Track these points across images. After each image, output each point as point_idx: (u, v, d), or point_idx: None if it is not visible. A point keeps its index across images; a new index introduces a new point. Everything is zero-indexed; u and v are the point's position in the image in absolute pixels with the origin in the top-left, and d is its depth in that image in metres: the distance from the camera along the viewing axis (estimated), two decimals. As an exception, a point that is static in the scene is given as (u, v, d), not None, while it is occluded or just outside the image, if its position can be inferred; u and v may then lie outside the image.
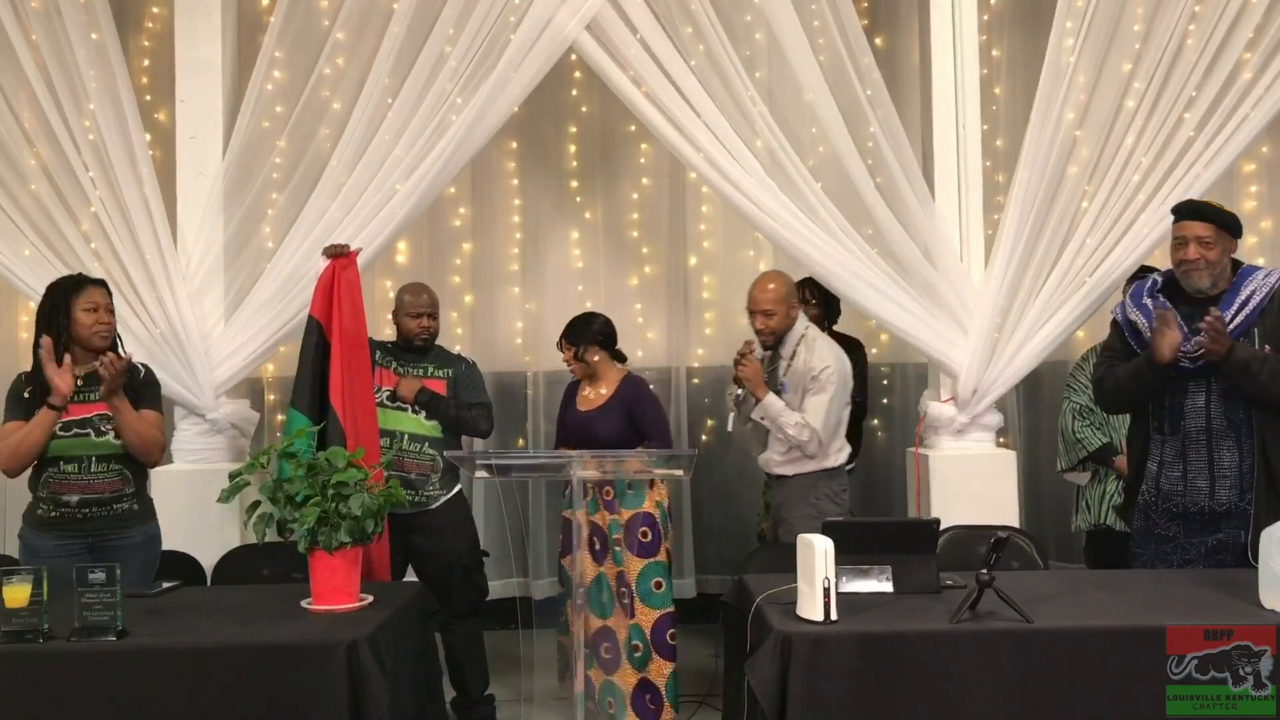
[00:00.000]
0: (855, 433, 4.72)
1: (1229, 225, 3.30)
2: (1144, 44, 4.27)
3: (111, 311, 3.52)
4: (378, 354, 4.15)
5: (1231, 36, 4.21)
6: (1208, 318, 3.14)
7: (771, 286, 4.10)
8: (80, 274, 3.64)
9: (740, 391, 4.12)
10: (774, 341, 4.13)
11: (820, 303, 4.82)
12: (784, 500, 4.14)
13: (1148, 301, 3.36)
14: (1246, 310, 3.23)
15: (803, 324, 4.17)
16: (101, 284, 3.56)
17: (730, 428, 4.24)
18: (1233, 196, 5.41)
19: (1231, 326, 3.20)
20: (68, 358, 3.39)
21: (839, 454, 4.15)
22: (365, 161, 4.27)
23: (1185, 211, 3.36)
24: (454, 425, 4.16)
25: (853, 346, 4.73)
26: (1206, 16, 4.21)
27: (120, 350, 3.54)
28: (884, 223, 4.34)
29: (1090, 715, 2.54)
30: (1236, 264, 3.34)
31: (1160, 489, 3.33)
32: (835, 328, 4.93)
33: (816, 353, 4.06)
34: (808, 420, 3.96)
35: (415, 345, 4.19)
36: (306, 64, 4.33)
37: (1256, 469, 3.18)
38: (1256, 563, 3.03)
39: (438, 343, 4.30)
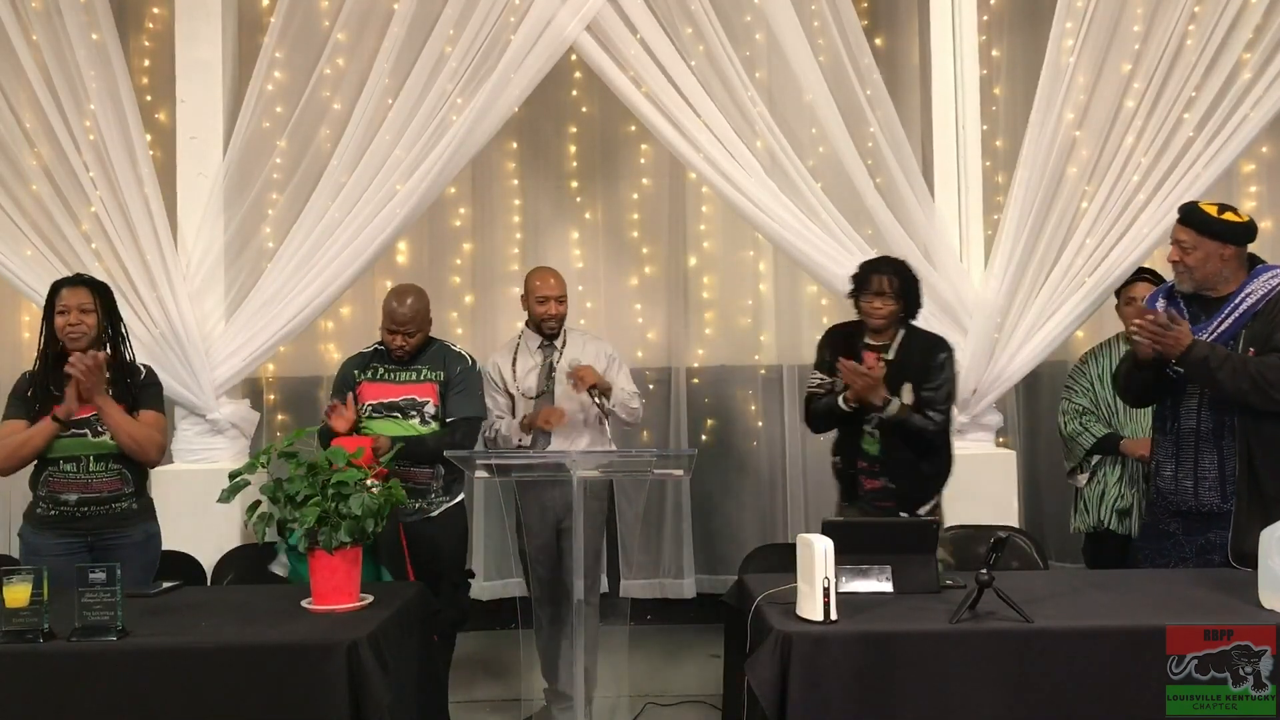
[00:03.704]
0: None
1: (1215, 231, 3.23)
2: (1144, 44, 4.27)
3: (89, 311, 3.41)
4: (355, 372, 3.98)
5: (1231, 37, 4.22)
6: (1138, 320, 3.23)
7: (555, 280, 4.23)
8: (66, 276, 3.57)
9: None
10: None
11: (899, 297, 3.69)
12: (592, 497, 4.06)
13: (1161, 304, 3.37)
14: (1238, 313, 3.23)
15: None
16: (81, 285, 3.47)
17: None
18: (1233, 196, 5.40)
19: (1221, 329, 3.22)
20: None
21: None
22: (365, 162, 4.27)
23: (1179, 213, 3.37)
24: (441, 458, 3.80)
25: (939, 345, 3.76)
26: (1206, 17, 4.22)
27: (126, 352, 3.53)
28: (884, 223, 4.35)
29: (1090, 715, 2.54)
30: (1255, 262, 3.31)
31: (1158, 487, 3.39)
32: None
33: (593, 341, 4.31)
34: (632, 389, 4.24)
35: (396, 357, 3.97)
36: (307, 64, 4.34)
37: (1239, 472, 3.21)
38: (1236, 564, 3.11)
39: (440, 338, 4.10)
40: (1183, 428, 3.30)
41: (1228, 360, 3.14)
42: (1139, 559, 3.51)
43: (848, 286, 4.32)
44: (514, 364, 4.23)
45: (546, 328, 4.21)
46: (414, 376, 3.96)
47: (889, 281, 3.62)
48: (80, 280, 3.53)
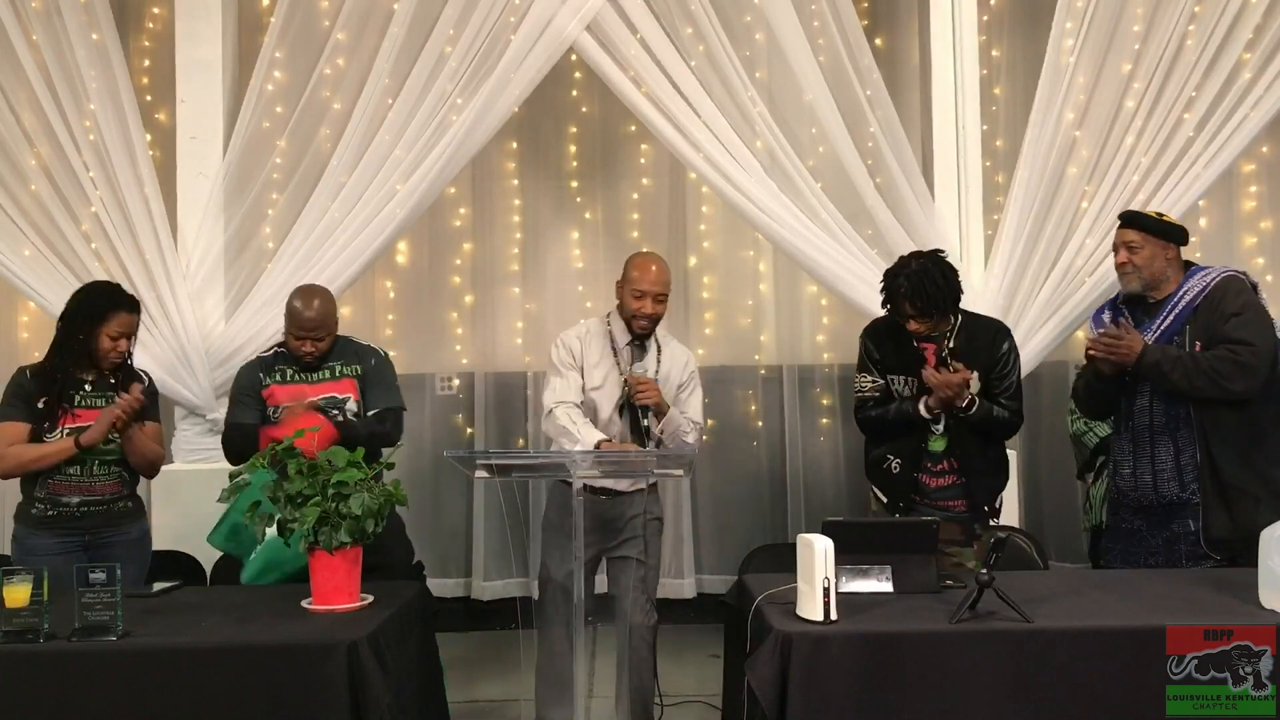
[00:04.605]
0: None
1: (1160, 231, 3.37)
2: (1144, 44, 4.28)
3: (131, 337, 3.46)
4: (260, 376, 3.63)
5: (1231, 36, 4.23)
6: (1090, 339, 3.37)
7: (658, 269, 3.73)
8: (118, 291, 3.50)
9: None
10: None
11: (933, 312, 3.47)
12: (641, 510, 3.75)
13: (1105, 316, 3.47)
14: (1178, 310, 3.34)
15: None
16: (136, 308, 3.48)
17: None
18: (1233, 196, 5.42)
19: (1162, 328, 3.33)
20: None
21: None
22: (365, 162, 4.28)
23: (1120, 219, 3.48)
24: (370, 446, 3.39)
25: (1000, 332, 3.62)
26: (1206, 16, 4.22)
27: (129, 360, 3.53)
28: (884, 223, 4.35)
29: (1090, 715, 2.54)
30: (1189, 265, 3.43)
31: (1118, 486, 3.47)
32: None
33: (677, 345, 3.84)
34: (695, 420, 3.75)
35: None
36: (307, 64, 4.35)
37: (1200, 460, 3.28)
38: (1210, 550, 3.22)
39: (346, 335, 3.77)
40: (1137, 424, 3.39)
41: (1179, 361, 3.25)
42: (1108, 560, 3.55)
43: (846, 285, 4.36)
44: (614, 355, 3.74)
45: (636, 326, 3.69)
46: (328, 375, 3.64)
47: (914, 306, 3.41)
48: (134, 305, 3.48)
